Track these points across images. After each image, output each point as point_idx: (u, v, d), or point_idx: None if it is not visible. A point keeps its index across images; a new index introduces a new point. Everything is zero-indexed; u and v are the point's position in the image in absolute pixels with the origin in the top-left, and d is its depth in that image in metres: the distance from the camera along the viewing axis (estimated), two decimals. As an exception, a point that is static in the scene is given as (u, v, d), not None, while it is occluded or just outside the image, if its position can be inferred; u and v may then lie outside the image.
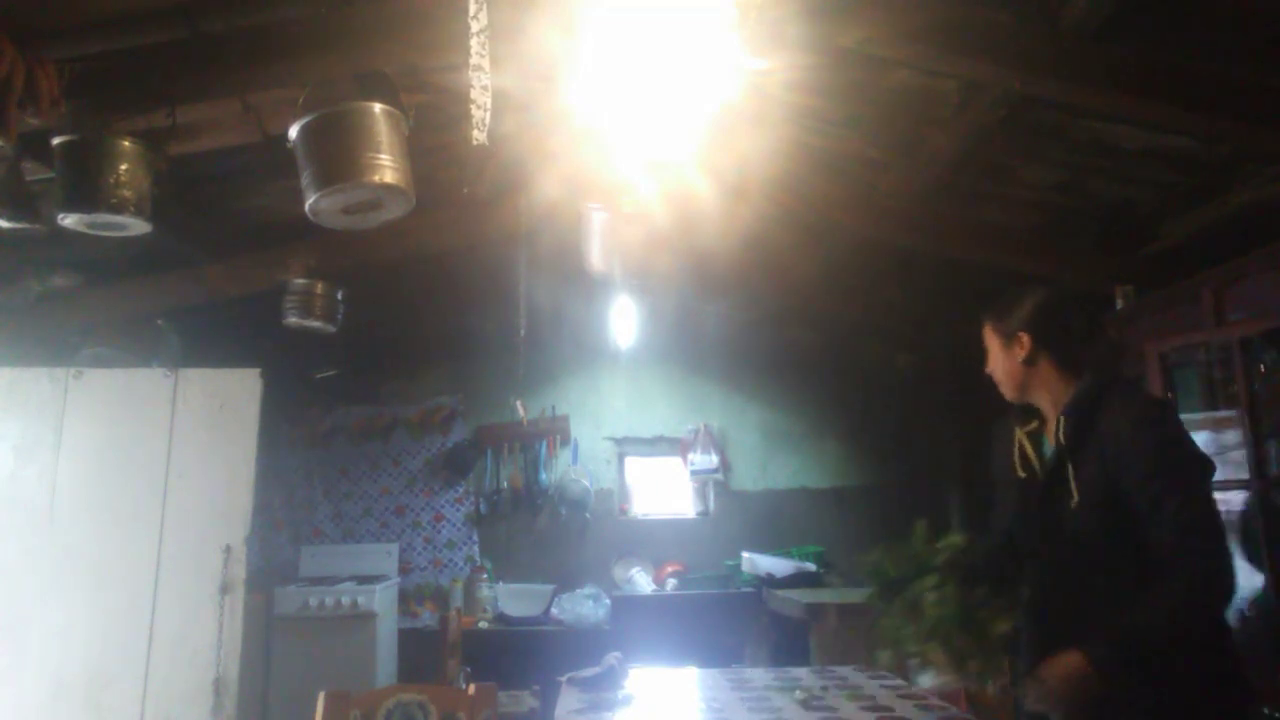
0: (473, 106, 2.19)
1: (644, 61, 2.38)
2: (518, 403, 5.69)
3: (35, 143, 2.57)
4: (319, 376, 5.60)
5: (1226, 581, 1.66)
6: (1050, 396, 1.93)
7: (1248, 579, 2.78)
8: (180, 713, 3.32)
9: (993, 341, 2.03)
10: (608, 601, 5.28)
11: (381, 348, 5.78)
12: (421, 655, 5.03)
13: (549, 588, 5.42)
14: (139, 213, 2.61)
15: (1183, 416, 2.72)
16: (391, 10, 2.48)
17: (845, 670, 3.07)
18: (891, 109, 3.12)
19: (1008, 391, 2.03)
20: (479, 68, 2.12)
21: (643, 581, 5.56)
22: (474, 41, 2.08)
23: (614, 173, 3.33)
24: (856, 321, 5.61)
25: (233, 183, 3.56)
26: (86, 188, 2.53)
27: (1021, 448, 2.00)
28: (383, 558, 5.49)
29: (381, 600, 4.92)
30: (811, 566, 5.35)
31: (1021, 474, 1.98)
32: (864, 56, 2.66)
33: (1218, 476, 1.79)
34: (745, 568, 5.44)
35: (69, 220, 2.59)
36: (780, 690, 2.70)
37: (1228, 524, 2.81)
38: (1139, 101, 2.61)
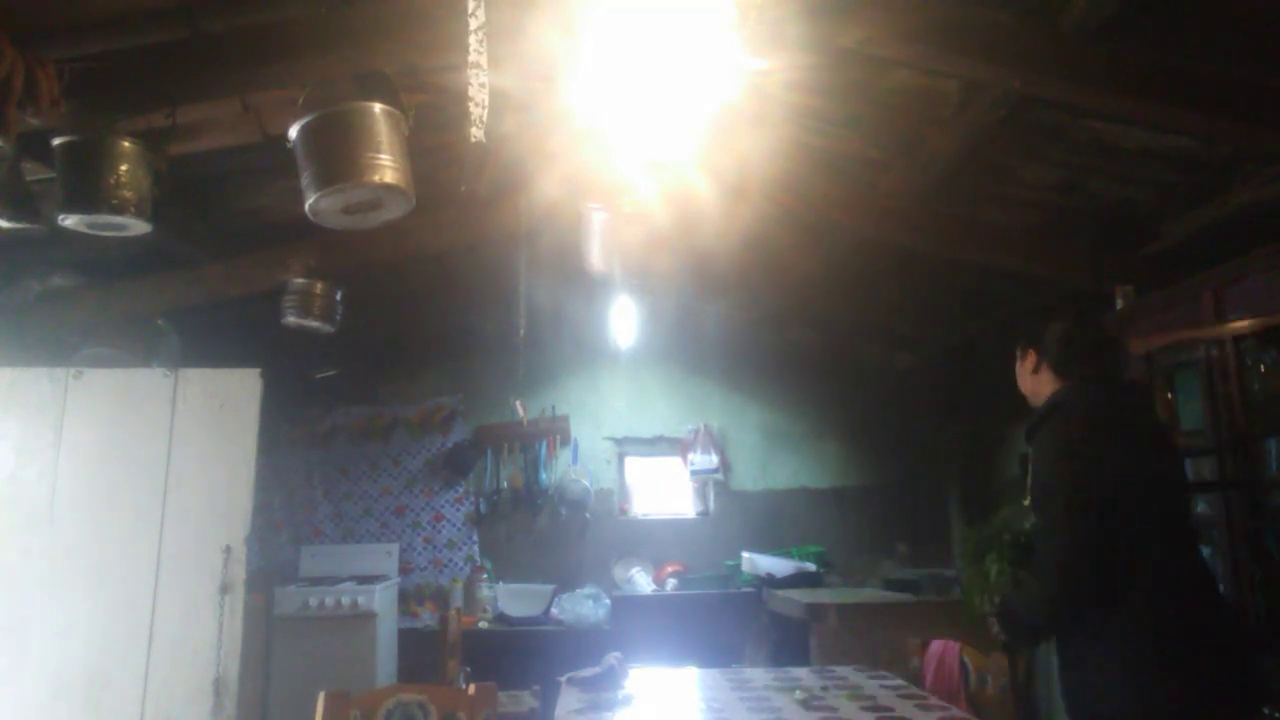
0: (471, 104, 2.19)
1: (644, 61, 2.38)
2: (518, 403, 5.70)
3: (35, 143, 2.57)
4: (319, 376, 5.60)
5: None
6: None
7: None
8: (180, 713, 3.32)
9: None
10: (608, 601, 5.28)
11: (381, 348, 5.78)
12: (421, 655, 5.03)
13: (549, 588, 5.42)
14: (139, 213, 2.60)
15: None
16: (391, 10, 2.48)
17: (845, 670, 3.07)
18: (891, 109, 3.12)
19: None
20: (477, 65, 2.12)
21: (643, 581, 5.56)
22: (472, 39, 2.08)
23: (614, 173, 3.33)
24: (856, 321, 5.61)
25: (233, 183, 3.56)
26: (86, 188, 2.53)
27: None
28: (383, 558, 5.49)
29: (381, 600, 4.92)
30: (811, 566, 5.35)
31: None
32: (864, 56, 2.66)
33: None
34: (745, 568, 5.44)
35: (69, 220, 2.59)
36: (780, 690, 2.70)
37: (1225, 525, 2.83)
38: (1139, 101, 2.60)
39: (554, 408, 5.96)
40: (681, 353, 6.00)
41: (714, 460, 5.86)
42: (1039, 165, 3.34)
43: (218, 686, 3.34)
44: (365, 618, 4.78)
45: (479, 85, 2.14)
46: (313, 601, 4.79)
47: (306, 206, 2.57)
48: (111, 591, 3.40)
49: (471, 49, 2.08)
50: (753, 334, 5.86)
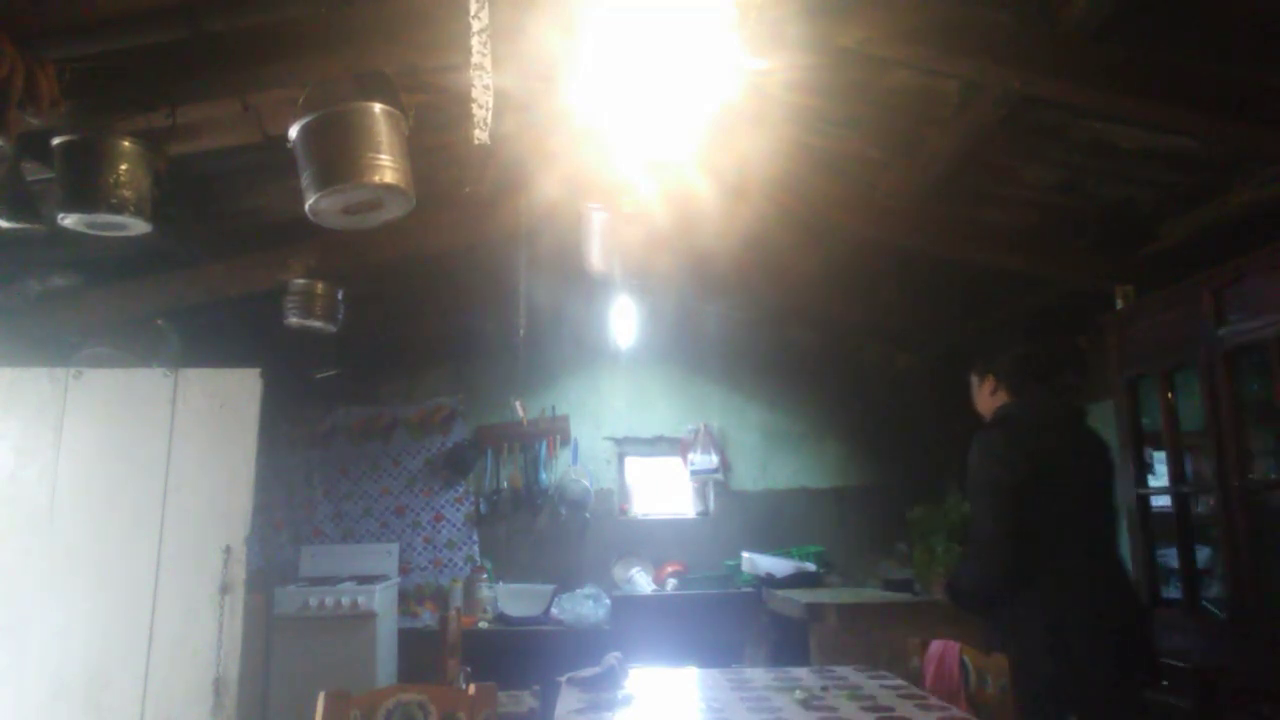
0: (474, 106, 2.19)
1: (644, 61, 2.38)
2: (518, 403, 5.69)
3: (35, 143, 2.57)
4: (319, 376, 5.59)
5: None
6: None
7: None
8: (180, 713, 3.32)
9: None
10: (608, 601, 5.28)
11: (381, 348, 5.78)
12: (421, 655, 5.03)
13: (549, 588, 5.42)
14: (139, 213, 2.60)
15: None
16: (391, 10, 2.47)
17: (845, 670, 3.07)
18: (891, 109, 3.12)
19: None
20: (480, 67, 2.12)
21: (643, 581, 5.56)
22: (475, 41, 2.08)
23: (614, 173, 3.33)
24: (856, 321, 5.61)
25: (233, 183, 3.56)
26: (86, 188, 2.53)
27: None
28: (383, 558, 5.49)
29: (381, 600, 4.92)
30: (811, 566, 5.35)
31: None
32: (864, 56, 2.66)
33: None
34: (745, 568, 5.44)
35: (69, 220, 2.59)
36: (780, 690, 2.70)
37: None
38: (1139, 101, 2.61)
39: (554, 408, 5.96)
40: (681, 353, 5.99)
41: (714, 460, 5.86)
42: (1039, 165, 3.34)
43: (218, 686, 3.34)
44: (365, 618, 4.78)
45: (483, 87, 2.14)
46: (313, 601, 4.79)
47: (306, 206, 2.57)
48: (111, 591, 3.40)
49: (475, 51, 2.08)
50: (753, 334, 5.86)
